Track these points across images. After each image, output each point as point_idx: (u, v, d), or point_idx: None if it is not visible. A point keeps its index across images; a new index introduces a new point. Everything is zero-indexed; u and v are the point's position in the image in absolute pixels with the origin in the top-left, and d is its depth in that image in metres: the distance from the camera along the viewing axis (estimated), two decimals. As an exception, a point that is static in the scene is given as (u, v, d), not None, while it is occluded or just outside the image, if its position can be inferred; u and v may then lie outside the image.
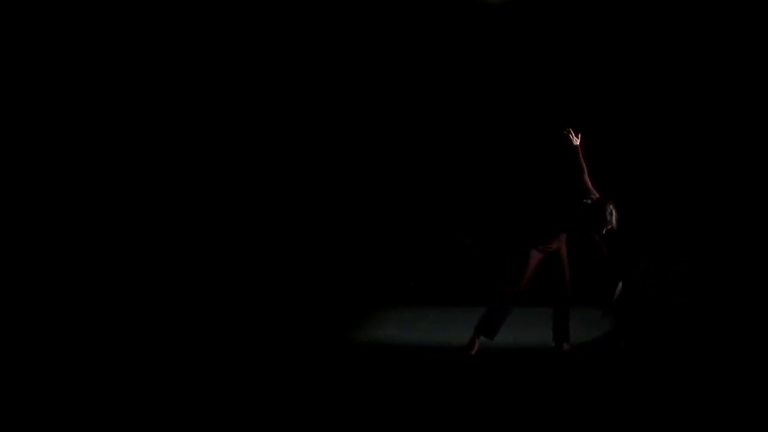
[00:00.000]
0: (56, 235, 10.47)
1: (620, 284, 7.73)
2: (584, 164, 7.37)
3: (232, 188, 11.16)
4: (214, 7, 10.98)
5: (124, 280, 10.52)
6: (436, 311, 10.13)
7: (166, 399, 6.25)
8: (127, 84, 10.85)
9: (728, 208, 10.65)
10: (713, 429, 5.41)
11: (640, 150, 10.99)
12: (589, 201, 7.20)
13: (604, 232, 7.23)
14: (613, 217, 7.14)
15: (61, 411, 5.89)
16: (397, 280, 11.18)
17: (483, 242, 11.12)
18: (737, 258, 10.48)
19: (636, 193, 10.97)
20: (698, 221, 10.77)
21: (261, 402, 6.16)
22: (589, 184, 7.31)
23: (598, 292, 7.91)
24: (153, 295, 10.38)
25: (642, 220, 10.96)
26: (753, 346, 7.78)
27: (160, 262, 10.77)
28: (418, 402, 6.07)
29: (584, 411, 5.83)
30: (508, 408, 5.99)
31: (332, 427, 5.53)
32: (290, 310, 10.26)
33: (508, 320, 7.50)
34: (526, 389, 6.46)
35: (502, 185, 11.00)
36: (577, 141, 7.42)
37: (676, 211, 10.88)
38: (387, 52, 11.21)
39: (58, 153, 10.58)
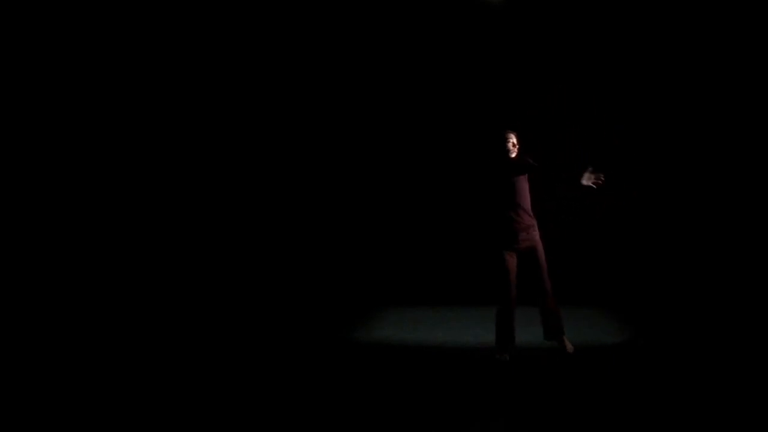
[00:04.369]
0: (56, 235, 10.47)
1: None
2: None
3: (231, 188, 11.17)
4: (214, 7, 10.99)
5: (124, 281, 10.52)
6: (436, 311, 10.14)
7: (166, 399, 6.25)
8: (127, 84, 10.86)
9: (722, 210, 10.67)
10: (714, 429, 5.41)
11: (639, 149, 11.01)
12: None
13: (510, 155, 7.30)
14: (511, 139, 7.29)
15: (61, 411, 5.90)
16: (397, 280, 11.18)
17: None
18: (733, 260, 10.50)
19: (635, 192, 11.01)
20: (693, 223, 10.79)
21: (261, 402, 6.16)
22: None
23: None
24: (153, 295, 10.39)
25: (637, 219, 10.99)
26: (753, 346, 7.79)
27: (161, 262, 10.78)
28: (418, 402, 6.07)
29: (586, 410, 5.84)
30: (507, 407, 5.99)
31: (332, 427, 5.54)
32: (290, 310, 10.26)
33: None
34: (526, 388, 6.46)
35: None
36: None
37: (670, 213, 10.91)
38: (386, 53, 11.22)
39: (58, 153, 10.59)
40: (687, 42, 10.75)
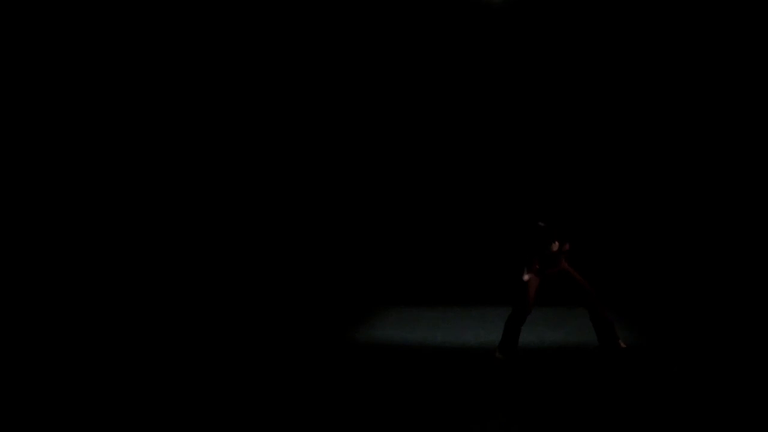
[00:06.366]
0: (57, 235, 10.47)
1: None
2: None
3: (232, 189, 11.17)
4: (214, 7, 10.99)
5: (125, 281, 10.52)
6: (436, 311, 10.14)
7: (166, 399, 6.25)
8: (127, 85, 10.86)
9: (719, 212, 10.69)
10: (714, 429, 5.42)
11: (638, 149, 11.02)
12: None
13: (548, 252, 7.31)
14: (553, 242, 7.28)
15: (61, 411, 5.90)
16: (396, 280, 11.19)
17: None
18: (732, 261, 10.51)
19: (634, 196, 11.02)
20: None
21: (261, 402, 6.17)
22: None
23: None
24: (154, 295, 10.39)
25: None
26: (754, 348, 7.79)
27: (161, 262, 10.78)
28: (418, 402, 6.08)
29: (586, 410, 5.84)
30: (506, 407, 6.00)
31: (332, 427, 5.54)
32: (290, 311, 10.27)
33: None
34: (526, 388, 6.47)
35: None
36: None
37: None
38: (386, 54, 11.22)
39: (58, 153, 10.59)
40: (687, 42, 10.76)
